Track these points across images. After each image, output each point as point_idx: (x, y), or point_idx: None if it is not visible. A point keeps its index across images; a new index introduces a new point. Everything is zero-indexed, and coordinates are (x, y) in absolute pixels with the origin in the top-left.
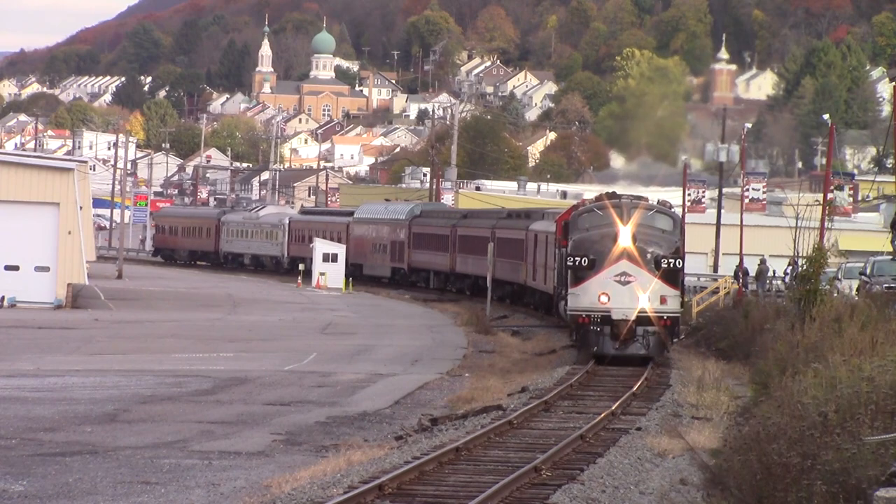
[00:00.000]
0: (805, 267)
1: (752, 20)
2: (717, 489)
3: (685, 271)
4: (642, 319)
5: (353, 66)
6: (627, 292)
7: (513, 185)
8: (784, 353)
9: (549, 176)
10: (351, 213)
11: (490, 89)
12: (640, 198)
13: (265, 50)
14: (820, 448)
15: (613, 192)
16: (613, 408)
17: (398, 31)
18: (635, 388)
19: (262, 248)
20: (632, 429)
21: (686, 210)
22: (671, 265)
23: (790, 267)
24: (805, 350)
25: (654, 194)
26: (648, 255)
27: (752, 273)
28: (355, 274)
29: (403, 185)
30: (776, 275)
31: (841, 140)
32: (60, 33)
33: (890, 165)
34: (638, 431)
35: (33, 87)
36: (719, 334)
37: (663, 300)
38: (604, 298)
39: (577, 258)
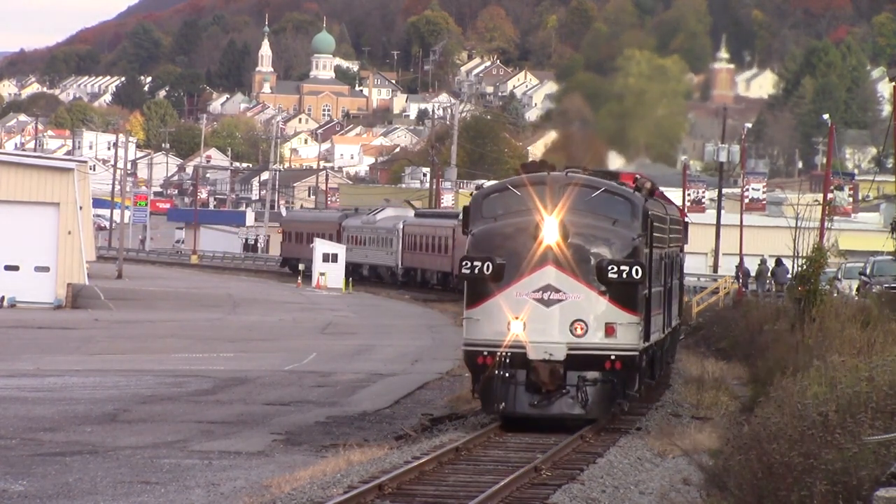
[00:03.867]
0: (805, 267)
1: (752, 20)
2: (717, 489)
3: (684, 272)
4: (577, 360)
5: (353, 66)
6: (552, 317)
7: None
8: (784, 352)
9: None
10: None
11: (490, 89)
12: (579, 170)
13: (265, 50)
14: (820, 448)
15: (540, 161)
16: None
17: (398, 31)
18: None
19: (377, 258)
20: (631, 429)
21: (686, 209)
22: (626, 275)
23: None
24: (805, 350)
25: None
26: (589, 260)
27: (753, 273)
28: None
29: (403, 186)
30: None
31: (841, 140)
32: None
33: (890, 165)
34: (637, 431)
35: (33, 87)
36: (719, 334)
37: (610, 330)
38: (516, 327)
39: (475, 263)
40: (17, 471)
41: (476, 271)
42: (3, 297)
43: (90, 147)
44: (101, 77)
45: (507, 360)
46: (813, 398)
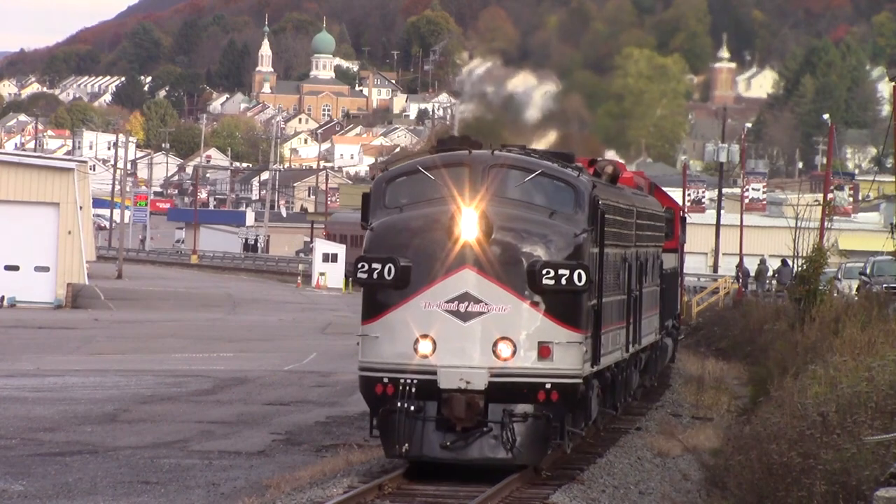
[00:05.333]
0: (804, 267)
1: (752, 19)
2: (717, 489)
3: (684, 272)
4: (502, 389)
5: (353, 66)
6: (470, 335)
7: None
8: (784, 353)
9: None
10: None
11: (490, 89)
12: (515, 148)
13: (265, 50)
14: (820, 448)
15: (461, 137)
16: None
17: (398, 30)
18: None
19: None
20: (631, 429)
21: (686, 209)
22: (565, 281)
23: (782, 265)
24: (805, 350)
25: None
26: (519, 262)
27: (752, 273)
28: None
29: None
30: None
31: (841, 140)
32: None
33: (890, 165)
34: (637, 431)
35: (33, 87)
36: (719, 334)
37: (545, 351)
38: (424, 347)
39: (373, 265)
40: (17, 470)
41: (374, 276)
42: (3, 297)
43: (90, 147)
44: (101, 77)
45: (413, 390)
46: (813, 398)
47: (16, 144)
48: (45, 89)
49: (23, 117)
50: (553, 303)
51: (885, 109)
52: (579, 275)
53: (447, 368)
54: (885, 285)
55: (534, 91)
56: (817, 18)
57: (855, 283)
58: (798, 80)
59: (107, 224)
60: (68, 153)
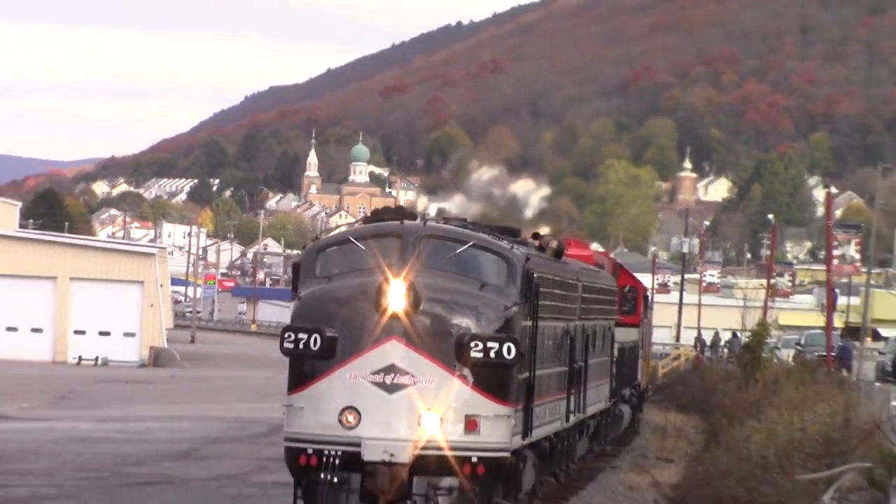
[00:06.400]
0: (750, 338)
1: (711, 137)
2: None
3: (652, 341)
4: (428, 463)
5: (384, 172)
6: (397, 407)
7: None
8: (732, 407)
9: None
10: None
11: (496, 191)
12: (456, 221)
13: (312, 158)
14: (761, 484)
15: (395, 208)
16: None
17: (422, 144)
18: None
19: None
20: (607, 467)
21: (654, 291)
22: (494, 353)
23: (732, 337)
24: (749, 405)
25: None
26: (447, 334)
27: (708, 343)
28: None
29: None
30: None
31: (782, 235)
32: (144, 143)
33: (822, 257)
34: (612, 469)
35: (122, 187)
36: (680, 392)
37: (472, 425)
38: (350, 418)
39: (299, 336)
40: (109, 497)
41: (300, 346)
42: (97, 358)
43: (168, 236)
44: (177, 179)
45: (337, 462)
46: (755, 444)
47: (108, 234)
48: (131, 189)
49: (113, 211)
50: (481, 375)
51: (820, 211)
52: (509, 348)
53: (371, 441)
54: (816, 353)
55: (532, 194)
56: (765, 136)
57: (792, 352)
58: (748, 186)
59: (182, 298)
60: (151, 241)
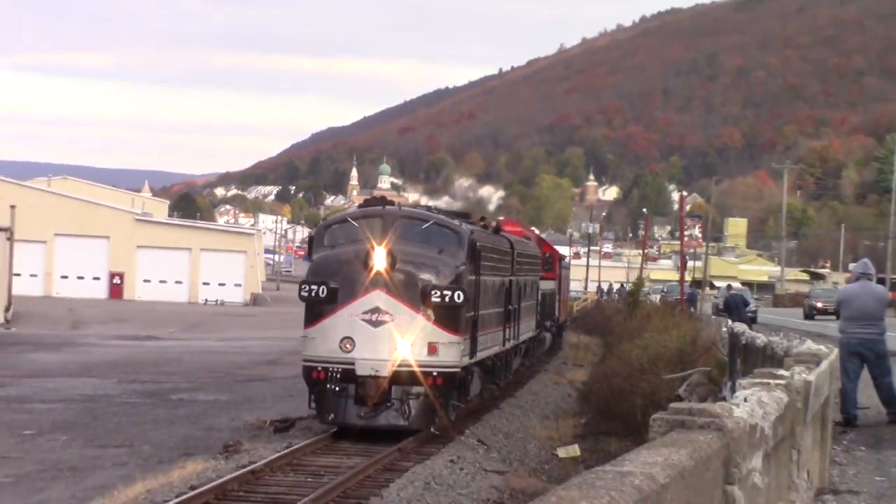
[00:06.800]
0: (632, 287)
1: (607, 160)
2: (585, 401)
3: (566, 286)
4: (402, 376)
5: (399, 181)
6: (380, 337)
7: None
8: (620, 331)
9: None
10: None
11: (470, 194)
12: (415, 206)
13: (353, 173)
14: (639, 381)
15: (380, 197)
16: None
17: (423, 164)
18: None
19: None
20: (542, 370)
21: (571, 257)
22: (447, 299)
23: (620, 287)
24: (631, 330)
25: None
26: (415, 285)
27: (605, 290)
28: None
29: None
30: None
31: (653, 222)
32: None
33: (677, 236)
34: (545, 372)
35: (233, 191)
36: (587, 322)
37: (433, 349)
38: (347, 345)
39: (312, 287)
40: (224, 390)
41: (313, 294)
42: (217, 300)
43: (262, 223)
44: (269, 186)
45: (338, 376)
46: (635, 355)
47: (224, 221)
48: (239, 192)
49: (227, 206)
50: (439, 314)
51: (675, 207)
52: (458, 294)
53: (362, 361)
54: (673, 297)
55: (493, 195)
56: (641, 159)
57: (658, 297)
58: (630, 191)
59: (271, 262)
60: (251, 226)
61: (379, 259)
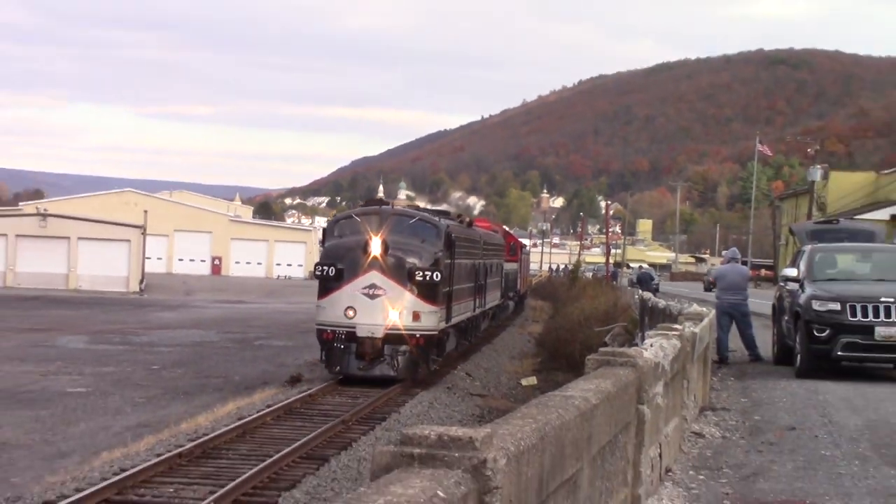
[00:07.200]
0: (574, 267)
1: (555, 178)
2: (540, 346)
3: (526, 267)
4: (392, 337)
5: (413, 194)
6: (375, 307)
7: None
8: (565, 297)
9: None
10: None
11: (461, 202)
12: (406, 206)
13: (381, 188)
14: (578, 332)
15: (377, 199)
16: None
17: (429, 181)
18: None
19: None
20: (510, 325)
21: (530, 246)
22: (427, 278)
23: (565, 267)
24: (572, 296)
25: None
26: (403, 267)
27: (555, 269)
28: None
29: None
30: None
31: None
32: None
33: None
34: (513, 326)
35: (297, 200)
36: (542, 291)
37: (416, 316)
38: (350, 313)
39: (324, 267)
40: (291, 338)
41: (325, 273)
42: (286, 276)
43: (317, 222)
44: (321, 197)
45: (343, 336)
46: (575, 314)
47: (290, 221)
48: (301, 201)
49: (293, 211)
50: (421, 290)
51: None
52: (436, 274)
53: (362, 325)
54: (601, 274)
55: (477, 203)
56: (579, 178)
57: (591, 274)
58: (572, 201)
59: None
60: (310, 224)
61: (375, 247)
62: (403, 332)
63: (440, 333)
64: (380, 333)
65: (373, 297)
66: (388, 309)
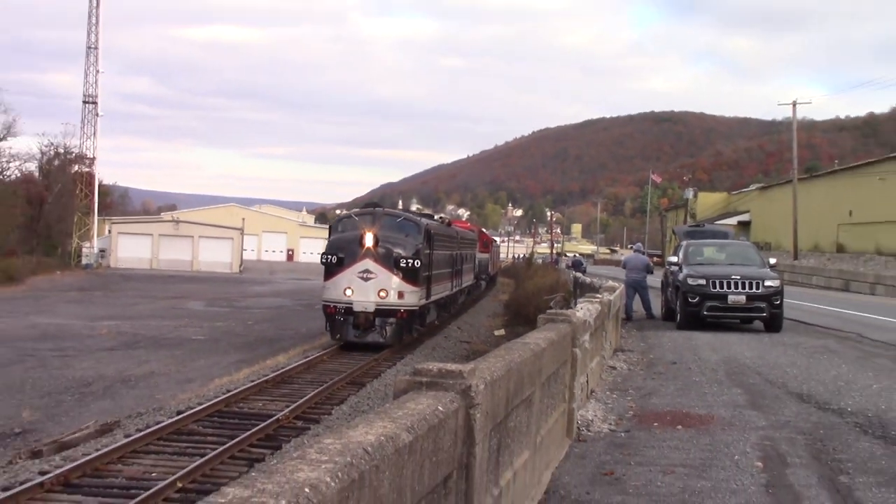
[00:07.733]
0: (529, 256)
1: (516, 196)
2: (507, 309)
3: (497, 256)
4: (381, 311)
5: (421, 207)
6: (368, 287)
7: None
8: (523, 276)
9: None
10: None
11: (453, 212)
12: (393, 209)
13: (399, 203)
14: (532, 299)
15: (372, 203)
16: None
17: (433, 198)
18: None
19: None
20: (485, 296)
21: (501, 242)
22: (409, 264)
23: (523, 256)
24: (528, 276)
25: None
26: (391, 256)
27: (518, 257)
28: None
29: None
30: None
31: (538, 226)
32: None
33: (549, 232)
34: (484, 298)
35: (343, 211)
36: (508, 272)
37: (401, 295)
38: (348, 292)
39: (329, 256)
40: (311, 314)
41: (329, 260)
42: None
43: None
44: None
45: (343, 311)
46: (530, 287)
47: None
48: (346, 212)
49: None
50: (405, 274)
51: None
52: (417, 262)
53: (358, 301)
54: (548, 261)
55: (465, 213)
56: (532, 196)
57: (541, 260)
58: (528, 212)
59: None
60: None
61: (368, 240)
62: (391, 307)
63: (421, 308)
64: (372, 308)
65: (366, 279)
66: (378, 289)
